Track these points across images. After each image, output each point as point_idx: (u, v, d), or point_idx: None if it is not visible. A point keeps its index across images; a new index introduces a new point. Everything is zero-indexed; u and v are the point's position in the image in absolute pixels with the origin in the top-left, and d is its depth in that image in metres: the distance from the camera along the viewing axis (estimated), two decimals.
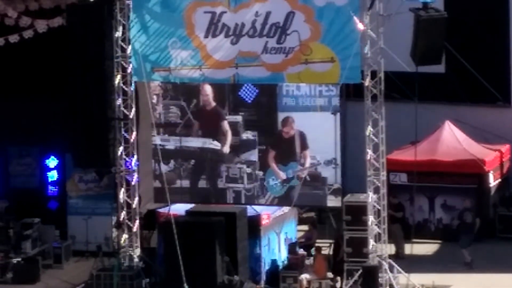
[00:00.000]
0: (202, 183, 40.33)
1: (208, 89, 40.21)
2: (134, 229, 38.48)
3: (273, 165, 40.89)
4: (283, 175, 40.26)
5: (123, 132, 38.58)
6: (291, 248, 39.76)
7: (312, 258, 39.63)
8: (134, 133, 38.66)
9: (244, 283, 36.63)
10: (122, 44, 38.55)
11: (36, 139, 47.49)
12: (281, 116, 40.95)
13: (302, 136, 39.76)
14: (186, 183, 40.95)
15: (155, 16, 39.93)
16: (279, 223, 40.30)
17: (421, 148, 45.13)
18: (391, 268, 37.35)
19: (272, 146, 40.98)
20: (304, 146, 39.85)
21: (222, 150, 40.67)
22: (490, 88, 45.52)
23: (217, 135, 40.23)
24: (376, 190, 37.95)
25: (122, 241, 38.95)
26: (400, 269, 37.73)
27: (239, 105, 40.29)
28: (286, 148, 40.51)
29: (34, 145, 47.94)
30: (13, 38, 41.57)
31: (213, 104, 40.63)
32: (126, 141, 38.62)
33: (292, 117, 40.46)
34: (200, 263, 36.79)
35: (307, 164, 39.94)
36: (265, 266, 39.38)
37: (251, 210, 39.35)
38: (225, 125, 40.81)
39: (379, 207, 37.51)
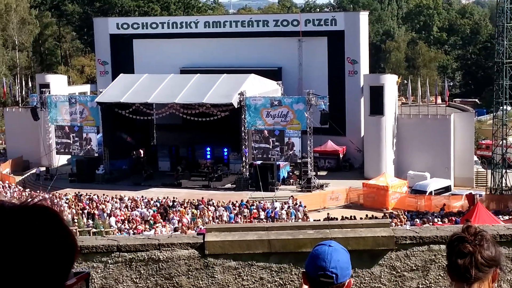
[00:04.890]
0: None
1: None
2: None
3: None
4: None
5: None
6: None
7: None
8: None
9: None
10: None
11: (220, 145, 59.23)
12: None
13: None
14: None
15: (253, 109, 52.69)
16: None
17: (322, 147, 59.21)
18: None
19: None
20: None
21: None
22: (337, 128, 57.60)
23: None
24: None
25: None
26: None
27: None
28: None
29: (219, 146, 59.36)
30: (212, 117, 52.70)
31: None
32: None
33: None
34: None
35: None
36: None
37: None
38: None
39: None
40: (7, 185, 55.53)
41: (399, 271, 8.02)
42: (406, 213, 42.74)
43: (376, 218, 35.70)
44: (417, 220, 37.47)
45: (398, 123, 58.04)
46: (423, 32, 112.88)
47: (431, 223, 33.65)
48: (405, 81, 71.65)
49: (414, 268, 8.01)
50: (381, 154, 57.13)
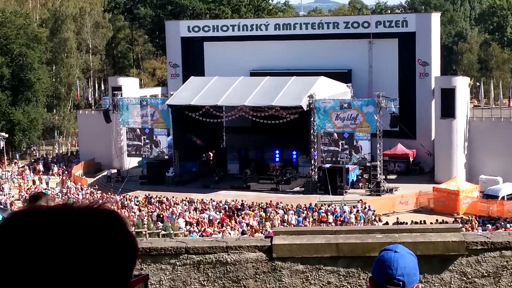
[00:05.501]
0: None
1: None
2: None
3: None
4: None
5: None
6: None
7: None
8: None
9: None
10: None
11: (289, 148, 58.71)
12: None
13: None
14: None
15: (322, 112, 52.47)
16: None
17: (392, 150, 58.22)
18: None
19: None
20: None
21: None
22: (408, 131, 57.26)
23: None
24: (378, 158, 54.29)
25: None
26: None
27: None
28: None
29: (288, 148, 58.87)
30: (282, 120, 52.38)
31: None
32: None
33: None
34: None
35: None
36: None
37: None
38: None
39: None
40: (79, 187, 56.58)
41: (470, 277, 7.88)
42: (477, 219, 42.34)
43: (446, 223, 35.25)
44: (489, 225, 37.09)
45: (470, 126, 57.62)
46: (497, 33, 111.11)
47: (503, 229, 32.98)
48: (478, 84, 70.61)
49: (485, 274, 7.85)
50: (452, 158, 56.64)
